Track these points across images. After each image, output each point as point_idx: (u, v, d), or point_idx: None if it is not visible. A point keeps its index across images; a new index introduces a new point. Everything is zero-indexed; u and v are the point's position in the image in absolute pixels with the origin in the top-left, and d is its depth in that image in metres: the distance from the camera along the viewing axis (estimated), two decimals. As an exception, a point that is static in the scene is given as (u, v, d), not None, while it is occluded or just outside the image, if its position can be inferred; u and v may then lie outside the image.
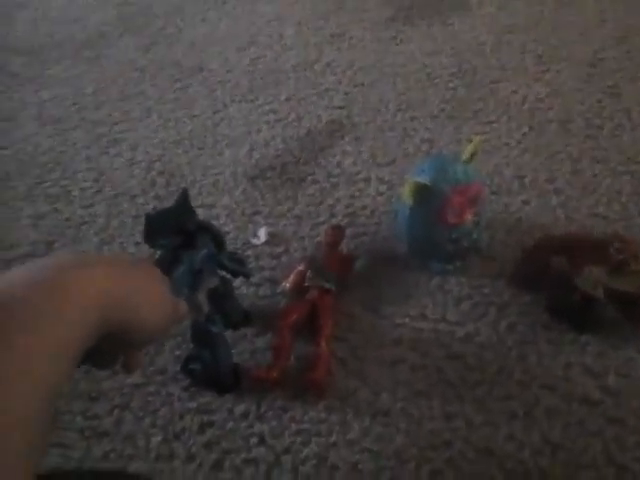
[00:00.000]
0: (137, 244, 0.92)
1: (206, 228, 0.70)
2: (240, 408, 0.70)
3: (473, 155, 0.81)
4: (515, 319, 0.76)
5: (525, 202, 0.91)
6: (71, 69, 1.37)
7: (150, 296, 0.42)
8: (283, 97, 1.20)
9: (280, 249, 0.89)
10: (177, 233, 0.67)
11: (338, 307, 0.79)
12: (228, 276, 0.75)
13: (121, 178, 1.05)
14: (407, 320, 0.78)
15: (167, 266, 0.63)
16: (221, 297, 0.74)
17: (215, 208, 0.97)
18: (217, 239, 0.71)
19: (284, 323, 0.75)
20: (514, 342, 0.74)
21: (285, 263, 0.87)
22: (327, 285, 0.79)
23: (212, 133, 1.14)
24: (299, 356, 0.74)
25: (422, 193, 0.77)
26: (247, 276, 0.79)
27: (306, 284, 0.80)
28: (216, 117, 1.17)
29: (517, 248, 0.83)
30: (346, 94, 1.19)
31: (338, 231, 0.86)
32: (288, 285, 0.81)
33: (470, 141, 0.82)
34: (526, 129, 1.03)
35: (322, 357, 0.72)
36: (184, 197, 0.68)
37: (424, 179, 0.78)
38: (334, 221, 0.93)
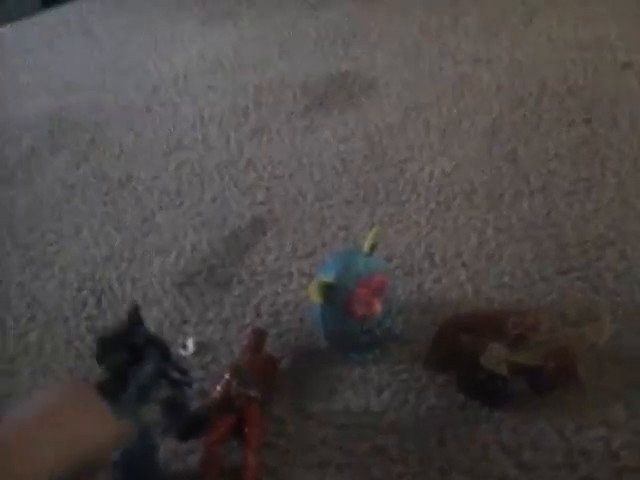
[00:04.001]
0: (70, 370, 0.93)
1: (153, 340, 0.74)
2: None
3: (374, 246, 0.86)
4: (433, 402, 0.79)
5: (435, 280, 0.95)
6: (6, 192, 1.40)
7: (93, 433, 0.46)
8: (208, 198, 1.25)
9: (208, 358, 0.91)
10: (126, 349, 0.71)
11: (265, 413, 0.81)
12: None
13: (53, 302, 1.07)
14: (332, 417, 0.80)
15: (113, 388, 0.67)
16: (176, 407, 0.77)
17: (145, 321, 0.99)
18: (163, 350, 0.75)
19: (211, 439, 0.77)
20: (434, 427, 0.76)
21: (214, 372, 0.89)
22: (252, 393, 0.81)
23: (141, 243, 1.17)
24: (231, 467, 0.76)
25: (328, 291, 0.81)
26: (189, 385, 0.81)
27: (232, 393, 0.82)
28: (145, 227, 1.21)
29: (431, 328, 0.86)
30: (267, 189, 1.24)
31: (259, 334, 0.89)
32: (215, 396, 0.83)
33: (369, 233, 0.86)
34: (433, 205, 1.09)
35: (249, 472, 0.73)
36: (134, 313, 0.73)
37: (329, 276, 0.82)
38: (260, 322, 0.95)
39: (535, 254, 0.95)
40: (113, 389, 0.64)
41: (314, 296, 0.81)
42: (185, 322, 0.98)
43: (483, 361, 0.75)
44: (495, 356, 0.75)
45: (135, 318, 0.73)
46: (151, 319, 0.99)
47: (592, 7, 1.58)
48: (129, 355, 0.71)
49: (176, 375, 0.77)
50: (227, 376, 0.84)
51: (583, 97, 1.27)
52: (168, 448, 0.80)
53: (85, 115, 1.66)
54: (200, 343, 0.94)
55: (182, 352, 0.93)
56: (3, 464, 0.39)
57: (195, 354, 0.92)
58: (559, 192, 1.06)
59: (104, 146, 1.50)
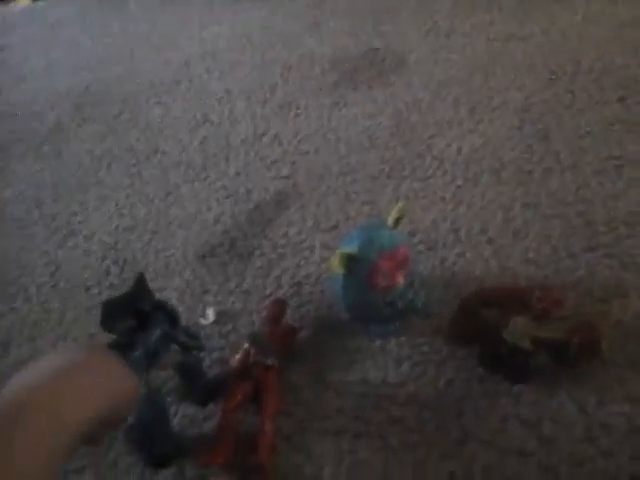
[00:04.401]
0: (91, 335, 0.94)
1: (160, 307, 0.75)
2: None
3: (398, 220, 0.85)
4: (453, 375, 0.78)
5: (459, 255, 0.93)
6: (33, 165, 1.42)
7: (113, 388, 0.47)
8: (232, 172, 1.25)
9: (228, 327, 0.91)
10: (133, 316, 0.71)
11: (283, 381, 0.81)
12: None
13: (76, 270, 1.08)
14: (350, 387, 0.80)
15: (121, 351, 0.67)
16: (191, 371, 0.79)
17: (166, 290, 1.00)
18: (171, 316, 0.75)
19: (228, 406, 0.77)
20: (452, 399, 0.75)
21: (233, 341, 0.89)
22: (269, 362, 0.81)
23: (165, 215, 1.18)
24: (247, 433, 0.76)
25: (351, 262, 0.80)
26: (201, 349, 0.82)
27: (251, 361, 0.82)
28: (169, 199, 1.22)
29: (454, 303, 0.85)
30: (292, 163, 1.23)
31: (279, 304, 0.89)
32: (233, 365, 0.83)
33: (395, 206, 0.85)
34: (460, 182, 1.07)
35: (265, 439, 0.73)
36: (140, 281, 0.73)
37: (352, 248, 0.81)
38: (281, 292, 0.95)
39: (563, 231, 0.93)
40: (119, 353, 0.65)
41: (336, 267, 0.80)
42: (206, 292, 0.98)
43: (506, 335, 0.73)
44: (518, 330, 0.73)
45: (141, 285, 0.73)
46: (172, 288, 1.00)
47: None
48: (135, 321, 0.71)
49: (186, 339, 0.77)
50: (246, 345, 0.84)
51: (618, 76, 1.23)
52: (186, 414, 0.80)
53: (113, 89, 1.67)
54: (220, 312, 0.94)
55: (202, 321, 0.93)
56: (34, 421, 0.40)
57: (215, 323, 0.92)
58: (589, 170, 1.03)
59: (131, 120, 1.51)
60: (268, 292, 0.96)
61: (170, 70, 1.70)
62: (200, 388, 0.82)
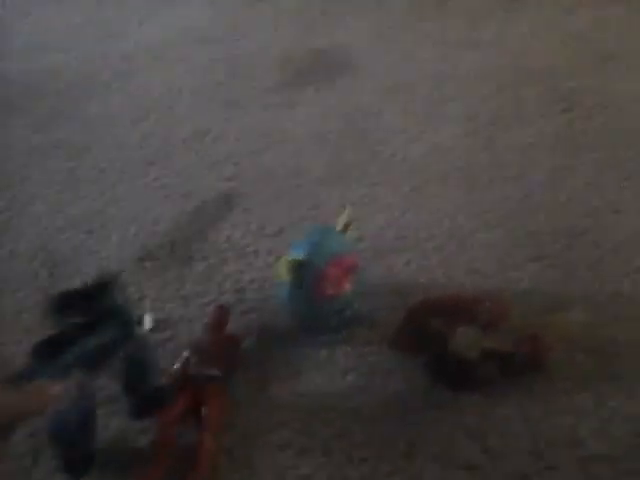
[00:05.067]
0: (18, 343, 0.88)
1: (119, 313, 0.70)
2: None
3: (347, 225, 0.83)
4: (400, 386, 0.77)
5: (406, 263, 0.92)
6: (-44, 157, 1.33)
7: None
8: (173, 172, 1.20)
9: (166, 335, 0.87)
10: (86, 314, 0.66)
11: (226, 392, 0.77)
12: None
13: (1, 272, 1.01)
14: (295, 399, 0.77)
15: (59, 347, 0.63)
16: (133, 383, 0.74)
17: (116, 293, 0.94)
18: (126, 325, 0.71)
19: (167, 419, 0.73)
20: (399, 411, 0.74)
21: (171, 350, 0.85)
22: (212, 372, 0.77)
23: (100, 215, 1.11)
24: (186, 447, 0.72)
25: (298, 269, 0.78)
26: (149, 365, 0.76)
27: (191, 372, 0.78)
28: (104, 198, 1.16)
29: (401, 311, 0.83)
30: (236, 164, 1.20)
31: (223, 312, 0.85)
32: (171, 377, 0.79)
33: (342, 212, 0.83)
34: (407, 189, 1.06)
35: (204, 454, 0.69)
36: (109, 280, 0.69)
37: (298, 254, 0.79)
38: (223, 299, 0.92)
39: (507, 241, 0.93)
40: (53, 347, 0.61)
41: (283, 273, 0.78)
42: (143, 297, 0.93)
43: (453, 345, 0.73)
44: (466, 340, 0.72)
45: (106, 285, 0.69)
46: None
47: None
48: (87, 318, 0.66)
49: (134, 352, 0.72)
50: (186, 354, 0.80)
51: (564, 88, 1.25)
52: (118, 427, 0.76)
53: (48, 80, 1.58)
54: (158, 320, 0.89)
55: (138, 328, 0.88)
56: None
57: (152, 330, 0.88)
58: (534, 180, 1.04)
59: (66, 113, 1.43)
60: (210, 299, 0.92)
61: (108, 63, 1.63)
62: (138, 399, 0.77)
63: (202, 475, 0.68)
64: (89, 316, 0.66)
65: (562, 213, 0.97)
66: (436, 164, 1.11)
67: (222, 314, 0.85)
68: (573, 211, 0.97)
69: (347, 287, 0.80)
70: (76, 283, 0.92)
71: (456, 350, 0.72)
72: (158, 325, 0.88)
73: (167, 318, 0.89)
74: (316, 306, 0.80)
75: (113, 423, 0.76)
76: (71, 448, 0.69)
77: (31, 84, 1.57)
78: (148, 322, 0.89)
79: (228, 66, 1.52)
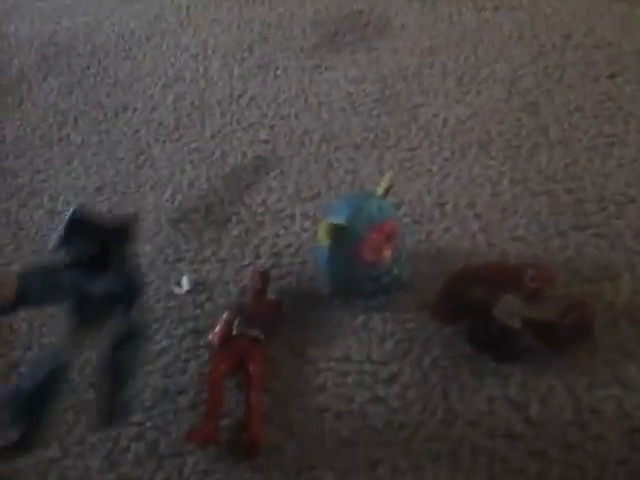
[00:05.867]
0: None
1: (130, 275, 0.68)
2: (161, 475, 0.68)
3: (387, 190, 0.81)
4: (438, 353, 0.76)
5: (446, 230, 0.90)
6: (-8, 117, 1.33)
7: None
8: (208, 134, 1.19)
9: (204, 297, 0.87)
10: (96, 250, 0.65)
11: (266, 354, 0.77)
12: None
13: (40, 232, 1.02)
14: (332, 364, 0.77)
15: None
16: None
17: (136, 257, 0.94)
18: (132, 287, 0.69)
19: (214, 377, 0.73)
20: (438, 378, 0.73)
21: (209, 311, 0.85)
22: (255, 334, 0.77)
23: (135, 176, 1.11)
24: (230, 409, 0.72)
25: (337, 234, 0.77)
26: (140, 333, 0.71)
27: (234, 333, 0.78)
28: (140, 159, 1.15)
29: (440, 278, 0.82)
30: (271, 127, 1.18)
31: (264, 276, 0.85)
32: (215, 337, 0.79)
33: (383, 176, 0.82)
34: (447, 154, 1.03)
35: (254, 413, 0.70)
36: (130, 224, 0.68)
37: (339, 219, 0.77)
38: (259, 262, 0.91)
39: (552, 208, 0.91)
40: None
41: (323, 238, 0.77)
42: (179, 260, 0.93)
43: (496, 313, 0.71)
44: (509, 308, 0.71)
45: (126, 229, 0.67)
46: (144, 254, 0.95)
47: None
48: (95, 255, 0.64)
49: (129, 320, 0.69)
50: (226, 316, 0.80)
51: (608, 52, 1.20)
52: (157, 387, 0.77)
53: (80, 41, 1.57)
54: (196, 281, 0.89)
55: (176, 289, 0.88)
56: None
57: (189, 292, 0.88)
58: (579, 146, 1.01)
59: (100, 74, 1.42)
60: (246, 262, 0.92)
61: (141, 23, 1.61)
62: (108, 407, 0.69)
63: (254, 432, 0.68)
64: (97, 254, 0.65)
65: (608, 181, 0.94)
66: (478, 128, 1.07)
67: (263, 279, 0.84)
68: (619, 179, 0.94)
69: (387, 254, 0.78)
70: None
71: (499, 319, 0.71)
72: (195, 287, 0.88)
73: (204, 280, 0.89)
74: (355, 271, 0.79)
75: (151, 382, 0.77)
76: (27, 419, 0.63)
77: (62, 45, 1.56)
78: (186, 284, 0.89)
79: (262, 27, 1.49)
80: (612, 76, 1.14)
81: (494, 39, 1.29)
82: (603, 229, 0.86)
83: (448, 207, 0.94)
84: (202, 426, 0.69)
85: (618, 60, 1.17)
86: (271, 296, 0.84)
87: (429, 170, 1.01)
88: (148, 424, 0.73)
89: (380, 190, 0.80)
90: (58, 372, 0.64)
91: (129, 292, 0.69)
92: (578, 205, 0.91)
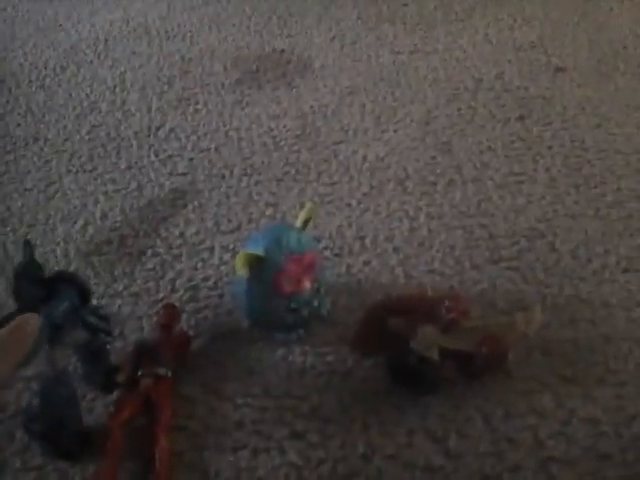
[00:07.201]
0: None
1: (71, 280, 0.69)
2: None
3: (307, 222, 0.81)
4: (358, 386, 0.75)
5: (366, 263, 0.91)
6: None
7: None
8: (124, 166, 1.15)
9: (114, 333, 0.82)
10: (41, 285, 0.66)
11: (176, 393, 0.73)
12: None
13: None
14: (250, 400, 0.74)
15: None
16: (93, 354, 0.72)
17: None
18: (82, 292, 0.69)
19: (115, 422, 0.68)
20: (357, 412, 0.72)
21: (119, 349, 0.80)
22: (162, 371, 0.74)
23: (44, 208, 1.06)
24: (135, 454, 0.68)
25: (255, 264, 0.75)
26: (108, 334, 0.74)
27: (139, 372, 0.74)
28: (50, 190, 1.10)
29: (360, 311, 0.82)
30: (190, 160, 1.16)
31: (172, 310, 0.81)
32: (120, 376, 0.74)
33: (303, 207, 0.81)
34: (366, 189, 1.05)
35: (163, 457, 0.66)
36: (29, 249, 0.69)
37: (257, 249, 0.76)
38: (175, 297, 0.88)
39: (466, 243, 0.93)
40: None
41: (240, 268, 0.75)
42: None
43: (414, 344, 0.71)
44: (427, 339, 0.71)
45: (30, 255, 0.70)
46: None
47: (528, 9, 1.61)
48: (42, 290, 0.66)
49: (94, 320, 0.71)
50: (133, 353, 0.76)
51: (517, 95, 1.27)
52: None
53: (-10, 68, 1.50)
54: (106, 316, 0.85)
55: (84, 325, 0.84)
56: None
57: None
58: (491, 184, 1.05)
59: (10, 103, 1.36)
60: (161, 296, 0.88)
61: (56, 54, 1.56)
62: (102, 373, 0.74)
63: (163, 476, 0.64)
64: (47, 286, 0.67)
65: (519, 217, 0.98)
66: (395, 165, 1.10)
67: (171, 313, 0.81)
68: (529, 215, 0.98)
69: (307, 285, 0.77)
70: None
71: (417, 349, 0.71)
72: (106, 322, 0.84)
73: (115, 315, 0.85)
74: (273, 304, 0.77)
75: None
76: (66, 433, 0.67)
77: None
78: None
79: (182, 62, 1.48)
80: (521, 118, 1.20)
81: (410, 81, 1.34)
82: (515, 262, 0.89)
83: (367, 241, 0.94)
84: (103, 470, 0.64)
85: (526, 103, 1.24)
86: (182, 331, 0.81)
87: (349, 204, 1.02)
88: (49, 467, 0.67)
89: (299, 221, 0.79)
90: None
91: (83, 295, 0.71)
92: (491, 240, 0.94)
